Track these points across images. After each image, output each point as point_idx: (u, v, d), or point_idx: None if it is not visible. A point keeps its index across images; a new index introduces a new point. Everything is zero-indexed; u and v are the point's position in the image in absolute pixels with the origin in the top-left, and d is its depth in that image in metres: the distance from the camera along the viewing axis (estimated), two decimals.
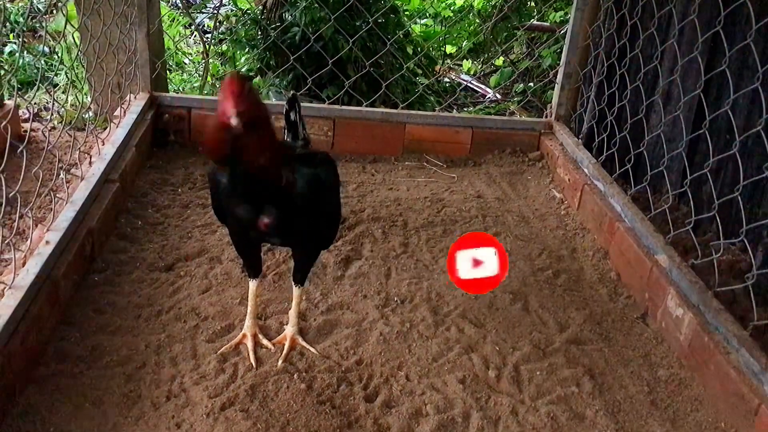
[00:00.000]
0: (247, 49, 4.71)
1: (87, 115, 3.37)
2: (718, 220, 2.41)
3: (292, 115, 2.22)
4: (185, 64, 5.17)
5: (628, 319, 2.39)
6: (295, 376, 1.96)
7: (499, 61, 5.61)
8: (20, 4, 5.49)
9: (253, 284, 2.10)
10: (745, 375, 1.91)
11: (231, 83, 1.60)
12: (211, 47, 4.99)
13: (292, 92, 2.30)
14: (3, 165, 1.90)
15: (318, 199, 1.86)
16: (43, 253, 2.05)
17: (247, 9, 5.02)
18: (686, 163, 2.84)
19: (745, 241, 2.26)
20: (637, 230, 2.60)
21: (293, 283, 2.10)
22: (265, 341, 2.09)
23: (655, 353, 2.23)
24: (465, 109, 4.89)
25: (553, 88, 3.81)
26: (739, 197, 2.27)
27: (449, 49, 5.69)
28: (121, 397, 1.85)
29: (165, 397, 1.86)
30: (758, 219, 2.51)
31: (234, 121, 1.57)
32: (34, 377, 1.86)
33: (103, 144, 2.82)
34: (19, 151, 2.07)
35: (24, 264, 2.00)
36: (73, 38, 3.08)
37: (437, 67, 5.37)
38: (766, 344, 2.02)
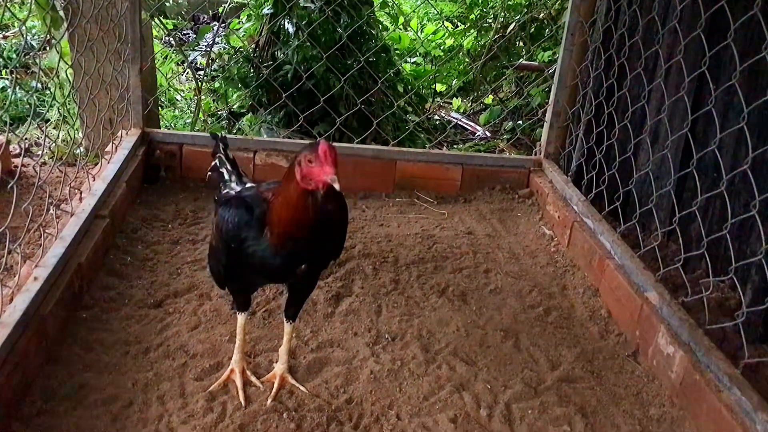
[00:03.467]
0: (239, 87, 4.75)
1: (78, 151, 3.37)
2: (707, 258, 2.43)
3: (230, 154, 2.25)
4: (177, 100, 5.20)
5: (619, 356, 2.38)
6: (285, 415, 1.94)
7: (489, 100, 5.68)
8: (13, 41, 5.53)
9: (242, 318, 2.08)
10: (737, 414, 1.90)
11: (331, 151, 1.68)
12: (204, 84, 5.03)
13: (220, 134, 2.34)
14: None
15: (340, 231, 1.95)
16: (30, 290, 2.03)
17: (240, 47, 5.08)
18: (674, 201, 2.87)
19: (735, 278, 2.27)
20: (627, 268, 2.61)
21: (285, 319, 2.09)
22: (253, 379, 2.06)
23: (647, 391, 2.22)
24: (455, 147, 4.93)
25: (542, 126, 3.86)
26: (728, 235, 2.28)
27: (439, 87, 5.76)
28: None
29: None
30: (746, 257, 2.52)
31: (338, 185, 1.65)
32: (19, 415, 1.83)
33: (94, 179, 2.81)
34: (9, 186, 2.07)
35: (11, 300, 1.98)
36: (66, 75, 3.10)
37: (427, 105, 5.43)
38: (758, 382, 2.02)
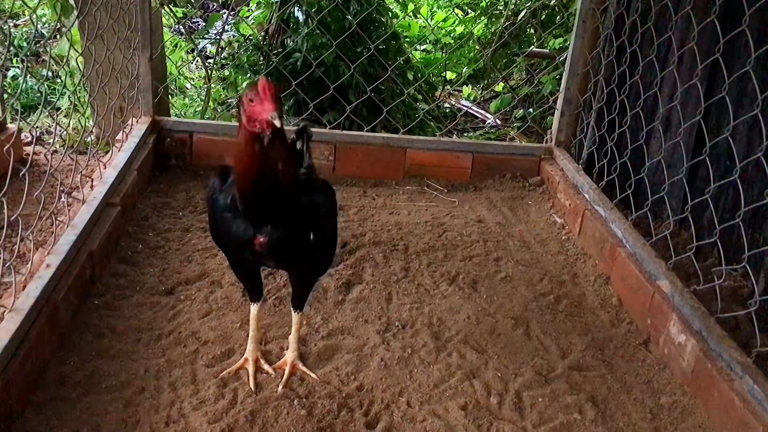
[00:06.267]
0: (249, 75, 4.74)
1: (89, 139, 3.38)
2: (720, 246, 2.41)
3: (298, 145, 2.23)
4: (187, 88, 5.20)
5: (630, 345, 2.38)
6: (296, 401, 1.94)
7: (499, 87, 5.65)
8: (24, 29, 5.54)
9: (254, 308, 2.09)
10: (749, 402, 1.89)
11: (269, 86, 1.59)
12: (214, 72, 5.03)
13: (303, 124, 2.34)
14: (5, 188, 1.90)
15: (313, 224, 1.85)
16: (43, 277, 2.04)
17: (250, 35, 5.07)
18: (687, 189, 2.85)
19: (747, 267, 2.25)
20: (639, 256, 2.60)
21: (292, 308, 2.10)
22: (266, 366, 2.07)
23: (658, 380, 2.21)
24: (465, 135, 4.90)
25: (552, 114, 3.83)
26: (740, 223, 2.27)
27: (449, 75, 5.73)
28: (120, 422, 1.83)
29: (164, 423, 1.84)
30: (759, 245, 2.51)
31: (278, 122, 1.55)
32: (32, 402, 1.84)
33: (105, 167, 2.82)
34: (21, 174, 2.07)
35: (24, 287, 1.99)
36: (77, 63, 3.10)
37: (437, 93, 5.40)
38: None
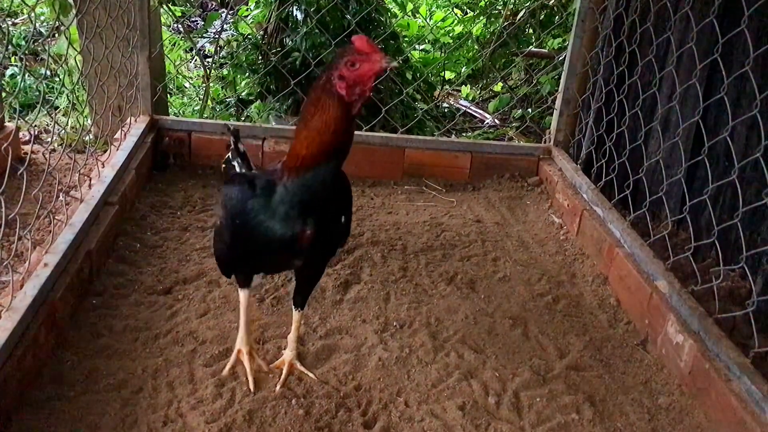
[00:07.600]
0: (247, 74, 4.73)
1: (87, 138, 3.38)
2: (718, 247, 2.41)
3: (241, 147, 2.22)
4: (186, 87, 5.19)
5: (628, 345, 2.38)
6: (293, 401, 1.94)
7: (498, 87, 5.64)
8: (22, 28, 5.53)
9: (244, 294, 2.04)
10: (746, 403, 1.89)
11: (366, 39, 1.68)
12: (212, 71, 5.02)
13: (233, 127, 2.34)
14: (3, 187, 1.90)
15: (344, 207, 1.91)
16: (41, 276, 2.04)
17: (248, 34, 5.06)
18: (685, 189, 2.85)
19: (745, 267, 2.25)
20: (637, 256, 2.60)
21: (293, 306, 2.09)
22: (260, 361, 2.07)
23: (656, 380, 2.21)
24: (464, 134, 4.90)
25: (551, 114, 3.83)
26: (739, 223, 2.27)
27: (448, 74, 5.73)
28: (118, 421, 1.83)
29: (162, 422, 1.83)
30: (758, 245, 2.51)
31: (396, 63, 1.65)
32: (30, 401, 1.84)
33: (103, 167, 2.82)
34: (19, 173, 2.07)
35: (22, 286, 1.99)
36: (75, 61, 3.10)
37: (436, 93, 5.40)
38: None
